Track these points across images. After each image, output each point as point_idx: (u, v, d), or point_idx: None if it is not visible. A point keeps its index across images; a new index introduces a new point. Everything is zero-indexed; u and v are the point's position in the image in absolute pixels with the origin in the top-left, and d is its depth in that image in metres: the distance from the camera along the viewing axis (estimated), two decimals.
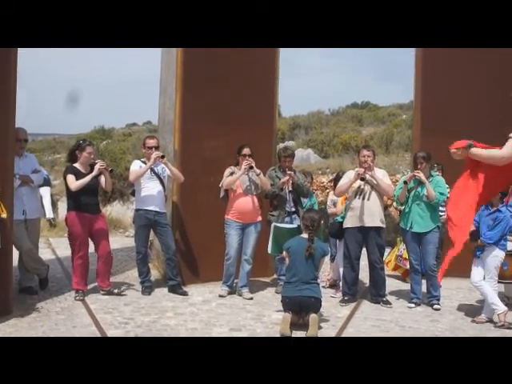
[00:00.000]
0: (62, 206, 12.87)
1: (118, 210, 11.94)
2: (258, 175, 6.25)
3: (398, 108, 28.25)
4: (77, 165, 5.97)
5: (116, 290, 6.09)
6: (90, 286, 6.19)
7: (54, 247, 9.07)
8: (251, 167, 6.13)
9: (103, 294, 6.05)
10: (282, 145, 15.30)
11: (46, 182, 10.16)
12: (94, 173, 5.86)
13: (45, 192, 11.03)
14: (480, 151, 5.10)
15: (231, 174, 6.30)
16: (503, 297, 5.84)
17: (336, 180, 7.35)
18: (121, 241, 9.72)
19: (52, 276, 6.60)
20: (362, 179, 5.95)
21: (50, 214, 11.29)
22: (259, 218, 6.41)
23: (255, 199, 6.35)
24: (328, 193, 9.62)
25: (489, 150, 5.05)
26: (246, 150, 6.31)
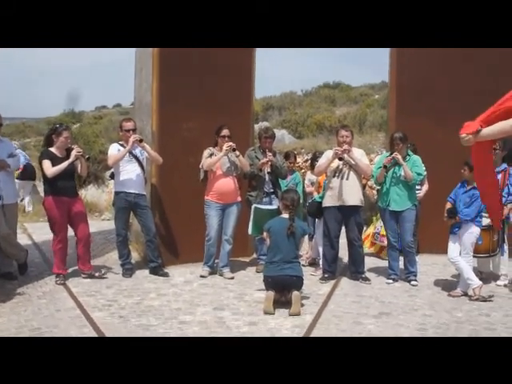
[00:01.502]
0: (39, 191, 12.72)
1: (93, 194, 11.86)
2: (237, 156, 6.27)
3: (369, 88, 28.50)
4: (53, 149, 5.90)
5: (97, 274, 6.08)
6: (70, 270, 6.17)
7: (30, 232, 8.97)
8: (234, 149, 6.15)
9: (84, 278, 6.04)
10: (257, 126, 15.31)
11: (28, 173, 9.78)
12: (71, 159, 5.80)
13: (27, 187, 10.94)
14: (491, 129, 4.97)
15: (210, 155, 6.31)
16: (477, 271, 6.01)
17: (313, 160, 7.45)
18: (97, 224, 9.66)
19: (30, 261, 6.52)
20: (341, 159, 6.02)
21: (28, 207, 11.23)
22: (239, 199, 6.45)
23: (235, 180, 6.39)
24: (304, 173, 9.73)
25: (499, 125, 4.90)
26: (225, 131, 6.32)
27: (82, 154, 5.93)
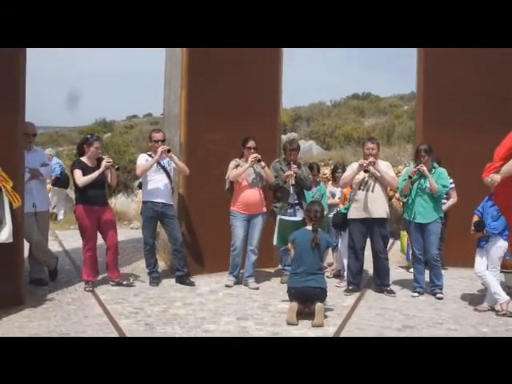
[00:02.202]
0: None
1: (122, 203, 12.05)
2: (263, 168, 6.34)
3: (399, 99, 28.36)
4: (84, 159, 6.07)
5: (125, 282, 6.21)
6: (99, 278, 6.31)
7: (61, 240, 9.18)
8: (259, 160, 6.22)
9: (112, 285, 6.17)
10: (284, 137, 15.38)
11: (62, 182, 9.52)
12: (101, 169, 5.97)
13: (60, 195, 11.20)
14: (510, 164, 5.01)
15: (236, 166, 6.39)
16: (504, 286, 5.92)
17: (334, 171, 7.47)
18: (126, 233, 9.82)
19: (61, 268, 6.71)
20: (366, 171, 6.04)
21: (60, 215, 11.51)
22: (264, 209, 6.51)
23: (260, 191, 6.45)
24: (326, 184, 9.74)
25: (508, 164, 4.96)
26: (252, 143, 6.40)
27: (112, 164, 6.08)
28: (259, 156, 6.25)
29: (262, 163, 6.30)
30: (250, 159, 6.26)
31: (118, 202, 11.94)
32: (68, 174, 9.83)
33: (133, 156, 12.78)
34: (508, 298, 5.45)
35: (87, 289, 5.98)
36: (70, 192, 13.14)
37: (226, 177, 6.43)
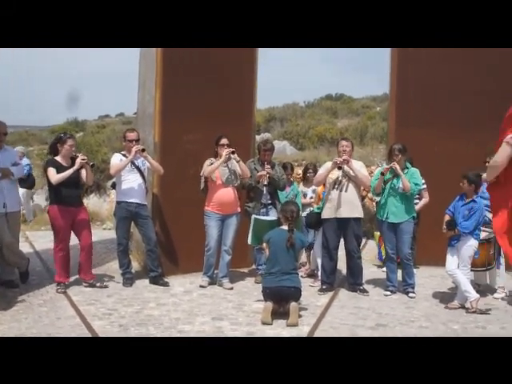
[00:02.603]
0: (38, 199, 12.82)
1: (94, 203, 11.91)
2: (238, 162, 6.33)
3: (371, 100, 28.64)
4: (58, 158, 5.99)
5: (98, 284, 6.14)
6: (71, 279, 6.23)
7: (32, 241, 9.03)
8: (233, 152, 6.21)
9: (85, 287, 6.10)
10: (258, 137, 15.41)
11: (29, 182, 9.25)
12: (76, 167, 5.89)
13: (26, 196, 10.94)
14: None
15: (211, 164, 6.38)
16: (474, 284, 6.05)
17: (305, 172, 7.52)
18: (98, 233, 9.70)
19: (32, 269, 6.60)
20: (340, 168, 6.09)
21: (29, 216, 11.28)
22: (239, 209, 6.51)
23: (234, 190, 6.45)
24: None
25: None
26: (224, 140, 6.40)
27: (87, 162, 6.01)
28: (233, 150, 6.25)
29: (237, 157, 6.29)
30: (224, 153, 6.25)
31: (91, 202, 11.79)
32: (35, 175, 9.66)
33: (105, 156, 12.67)
34: (478, 295, 5.56)
35: (59, 290, 5.90)
36: (39, 193, 12.98)
37: (201, 173, 6.41)
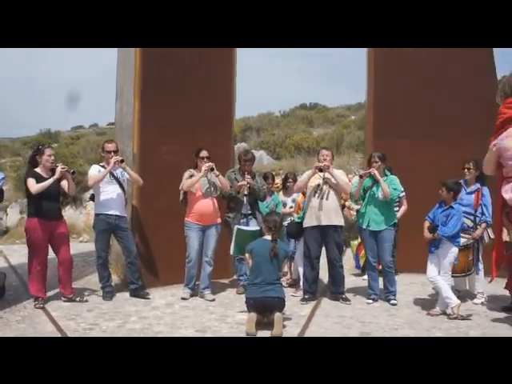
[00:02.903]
0: (12, 212, 12.57)
1: (70, 215, 11.70)
2: (217, 176, 6.32)
3: (346, 109, 28.92)
4: (38, 169, 5.88)
5: (78, 298, 6.03)
6: (49, 294, 6.10)
7: (6, 254, 8.84)
8: (212, 169, 6.20)
9: (64, 301, 5.98)
10: (235, 147, 15.39)
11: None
12: (56, 175, 5.77)
13: None
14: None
15: (190, 176, 6.35)
16: (454, 290, 6.11)
17: (285, 181, 7.53)
18: (75, 246, 9.51)
19: (8, 284, 6.45)
20: (321, 170, 6.10)
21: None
22: (219, 220, 6.48)
23: (215, 201, 6.42)
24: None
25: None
26: (204, 153, 6.37)
27: (67, 170, 5.91)
28: (212, 164, 6.23)
29: (216, 171, 6.27)
30: (203, 168, 6.22)
31: (67, 214, 11.55)
32: (7, 188, 9.46)
33: (81, 167, 12.49)
34: (459, 301, 5.62)
35: (37, 305, 5.76)
36: (14, 206, 12.73)
37: (180, 187, 6.38)
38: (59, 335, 4.88)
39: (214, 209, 6.39)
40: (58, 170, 5.78)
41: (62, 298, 6.01)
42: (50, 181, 5.75)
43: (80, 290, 6.39)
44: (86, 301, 6.07)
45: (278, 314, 5.06)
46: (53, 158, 5.94)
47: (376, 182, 6.15)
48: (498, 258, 5.47)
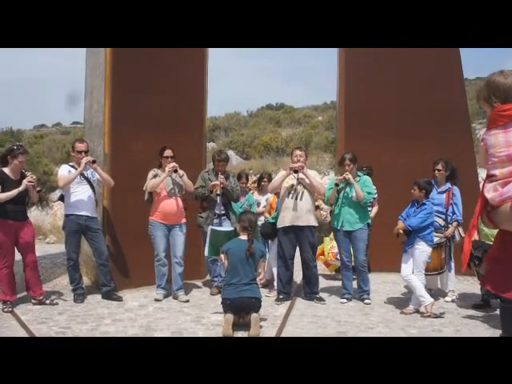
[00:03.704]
0: None
1: (36, 216, 11.46)
2: (181, 177, 6.26)
3: (313, 110, 29.08)
4: (6, 170, 5.73)
5: (48, 301, 5.87)
6: (16, 297, 5.92)
7: None
8: (176, 170, 6.14)
9: (34, 304, 5.82)
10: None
11: None
12: (21, 188, 5.67)
13: None
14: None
15: (154, 176, 6.28)
16: (426, 288, 6.19)
17: (260, 180, 7.52)
18: (42, 248, 9.30)
19: None
20: (296, 172, 6.10)
21: None
22: (183, 220, 6.41)
23: (179, 201, 6.37)
24: (252, 193, 9.77)
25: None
26: (168, 152, 6.31)
27: (33, 185, 5.78)
28: (176, 165, 6.17)
29: (180, 172, 6.21)
30: (167, 169, 6.16)
31: (33, 215, 11.30)
32: None
33: (47, 167, 12.22)
34: (432, 299, 5.70)
35: (6, 309, 5.59)
36: None
37: (144, 188, 6.30)
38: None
39: (178, 209, 6.34)
40: (25, 182, 5.69)
41: (32, 301, 5.85)
42: (14, 192, 5.63)
43: (49, 293, 6.23)
44: (57, 303, 5.93)
45: (254, 315, 5.03)
46: (24, 164, 5.84)
47: (349, 182, 6.18)
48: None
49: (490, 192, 2.67)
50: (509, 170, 2.58)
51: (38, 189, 5.91)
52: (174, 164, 6.16)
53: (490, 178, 2.70)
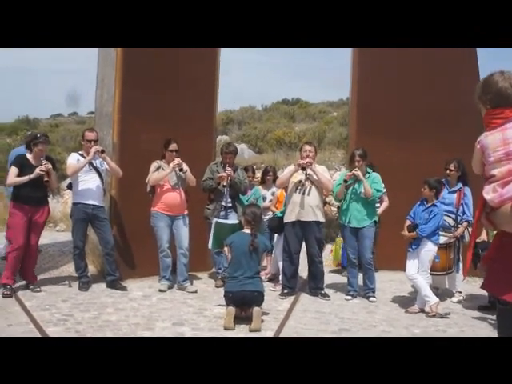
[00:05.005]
0: None
1: None
2: (184, 173, 6.24)
3: (328, 105, 28.95)
4: (29, 156, 5.88)
5: (37, 288, 5.92)
6: (22, 283, 5.98)
7: None
8: (181, 169, 6.15)
9: (38, 291, 5.83)
10: (217, 139, 15.30)
11: None
12: (32, 175, 5.73)
13: None
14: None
15: (157, 168, 6.26)
16: (432, 288, 6.13)
17: (264, 175, 7.46)
18: (51, 235, 9.41)
19: None
20: (303, 169, 6.06)
21: None
22: (186, 212, 6.40)
23: (182, 193, 6.35)
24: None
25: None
26: (173, 146, 6.29)
27: (48, 174, 5.83)
28: (181, 162, 6.15)
29: (184, 168, 6.19)
30: (171, 165, 6.15)
31: None
32: None
33: (60, 156, 12.28)
34: (437, 299, 5.63)
35: (5, 292, 5.60)
36: None
37: (147, 180, 6.28)
38: (32, 326, 4.75)
39: (181, 200, 6.33)
40: (37, 170, 5.74)
41: (36, 288, 5.87)
42: (25, 179, 5.72)
43: (55, 279, 6.26)
44: (70, 286, 6.07)
45: (256, 309, 5.01)
46: (43, 153, 5.90)
47: (358, 179, 6.12)
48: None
49: (490, 193, 2.62)
50: (508, 168, 2.52)
51: (46, 179, 5.93)
52: (179, 161, 6.14)
53: (488, 179, 2.65)
